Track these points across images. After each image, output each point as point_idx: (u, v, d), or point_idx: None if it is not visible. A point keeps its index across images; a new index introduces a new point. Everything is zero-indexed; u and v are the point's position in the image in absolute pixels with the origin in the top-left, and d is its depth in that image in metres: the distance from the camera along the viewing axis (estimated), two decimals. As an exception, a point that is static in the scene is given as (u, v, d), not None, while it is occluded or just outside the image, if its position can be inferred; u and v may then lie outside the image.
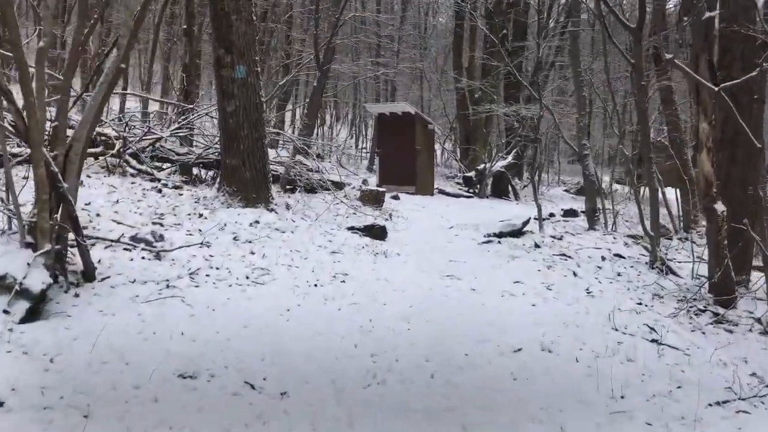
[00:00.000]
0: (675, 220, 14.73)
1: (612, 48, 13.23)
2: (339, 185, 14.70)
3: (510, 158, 21.09)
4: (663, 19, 14.85)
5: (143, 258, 6.20)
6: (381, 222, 11.00)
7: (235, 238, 7.82)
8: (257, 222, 8.72)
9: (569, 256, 9.56)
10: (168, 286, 5.61)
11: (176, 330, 4.76)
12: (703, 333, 6.32)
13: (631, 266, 9.23)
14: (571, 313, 6.37)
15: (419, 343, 5.34)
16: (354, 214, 12.86)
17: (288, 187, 13.02)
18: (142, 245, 6.34)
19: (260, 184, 9.33)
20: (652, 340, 5.56)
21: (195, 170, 12.01)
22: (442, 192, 19.26)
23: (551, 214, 16.18)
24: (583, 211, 16.48)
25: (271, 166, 12.95)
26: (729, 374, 4.98)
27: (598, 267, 8.89)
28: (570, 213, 16.05)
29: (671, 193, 18.53)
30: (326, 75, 15.89)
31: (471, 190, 20.00)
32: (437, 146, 25.86)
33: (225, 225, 8.27)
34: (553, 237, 11.57)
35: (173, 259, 6.44)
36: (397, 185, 18.09)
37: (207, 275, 6.27)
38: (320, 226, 9.87)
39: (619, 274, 8.50)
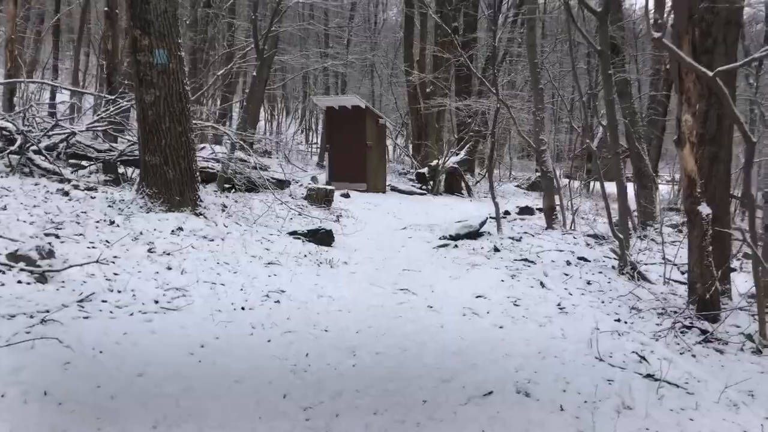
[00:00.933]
0: (632, 218, 13.91)
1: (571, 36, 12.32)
2: (283, 184, 13.41)
3: (463, 154, 20.13)
4: (620, 9, 14.02)
5: (20, 282, 4.83)
6: (328, 225, 9.78)
7: (150, 251, 6.48)
8: (180, 229, 7.39)
9: (532, 261, 8.52)
10: (44, 321, 4.26)
11: (36, 389, 3.45)
12: (694, 356, 5.33)
13: (600, 272, 8.25)
14: (546, 338, 5.28)
15: (367, 386, 4.15)
16: (299, 215, 11.66)
17: (227, 186, 11.68)
18: (22, 264, 4.96)
19: (186, 185, 7.99)
20: (647, 375, 4.51)
21: (122, 169, 10.57)
22: (394, 189, 18.13)
23: (506, 212, 15.22)
24: (539, 209, 15.60)
25: (205, 164, 11.65)
26: (743, 419, 3.98)
27: (566, 274, 7.87)
28: (525, 210, 15.12)
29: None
30: (268, 65, 14.56)
31: (424, 187, 18.93)
32: (389, 142, 24.74)
33: (140, 234, 6.92)
34: (512, 238, 10.57)
35: (63, 282, 5.08)
36: (348, 182, 16.88)
37: (104, 301, 4.94)
38: (257, 231, 8.60)
39: (588, 283, 7.49)
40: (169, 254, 6.56)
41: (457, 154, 19.70)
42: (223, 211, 9.15)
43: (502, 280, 7.15)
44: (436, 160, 19.18)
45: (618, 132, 8.66)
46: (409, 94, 22.28)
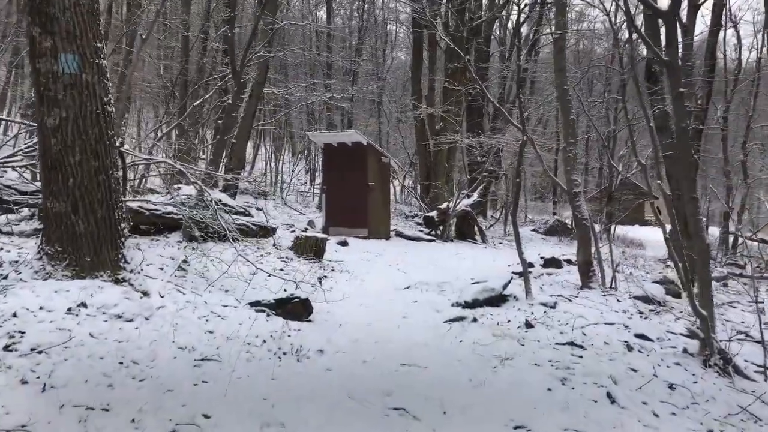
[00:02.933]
0: (679, 269, 11.29)
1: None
2: (267, 231, 11.01)
3: (476, 196, 17.75)
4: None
5: None
6: (304, 290, 7.33)
7: (7, 348, 4.08)
8: (82, 306, 4.99)
9: (581, 346, 6.00)
10: None
11: None
12: None
13: (676, 362, 5.73)
14: None
15: None
16: (281, 270, 9.29)
17: (197, 235, 9.29)
18: None
19: (103, 240, 5.61)
20: None
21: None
22: (399, 234, 15.71)
23: (530, 264, 12.73)
24: (567, 260, 13.12)
25: (168, 209, 9.30)
26: None
27: (633, 370, 5.34)
28: (552, 263, 12.61)
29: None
30: (257, 96, 12.32)
31: (433, 232, 16.50)
32: (394, 182, 22.44)
33: (12, 316, 4.53)
34: (544, 305, 8.07)
35: None
36: (348, 227, 14.52)
37: None
38: (207, 301, 6.17)
39: (671, 387, 4.97)
40: (41, 352, 4.14)
41: (470, 196, 17.31)
42: (163, 271, 6.75)
43: (549, 389, 4.63)
44: (447, 203, 16.80)
45: (693, 166, 6.25)
46: (416, 131, 20.06)
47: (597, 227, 26.14)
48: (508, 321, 7.04)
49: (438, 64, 20.92)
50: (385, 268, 11.31)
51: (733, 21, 23.45)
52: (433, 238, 15.95)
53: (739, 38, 21.04)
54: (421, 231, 16.62)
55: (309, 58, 21.58)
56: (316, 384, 4.58)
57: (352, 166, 14.69)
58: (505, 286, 8.14)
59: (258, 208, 17.21)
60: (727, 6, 17.69)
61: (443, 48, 19.86)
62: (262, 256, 9.92)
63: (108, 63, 10.01)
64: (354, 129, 17.03)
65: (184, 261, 8.13)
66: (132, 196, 10.79)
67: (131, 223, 8.30)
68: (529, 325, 6.76)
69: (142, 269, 6.43)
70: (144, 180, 11.94)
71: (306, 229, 15.36)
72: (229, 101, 9.28)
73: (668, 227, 13.19)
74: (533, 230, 23.41)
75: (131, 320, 5.08)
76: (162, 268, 7.35)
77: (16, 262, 5.56)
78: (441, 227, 16.40)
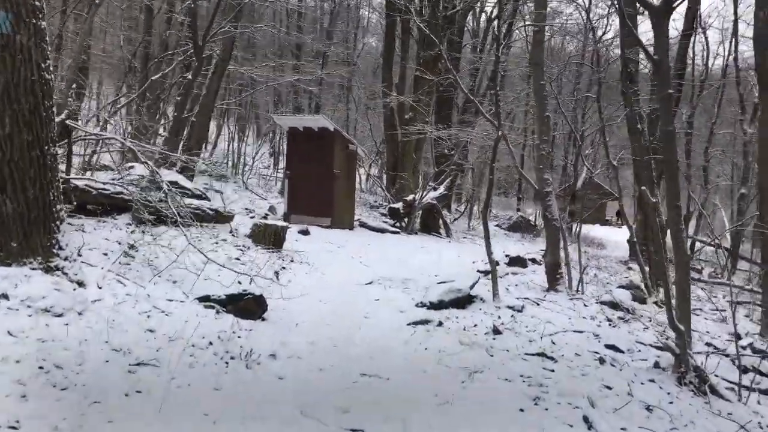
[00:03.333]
0: (645, 274, 11.10)
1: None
2: (224, 217, 10.38)
3: (442, 189, 17.36)
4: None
5: None
6: (260, 284, 6.79)
7: None
8: (3, 298, 4.38)
9: (551, 358, 5.63)
10: None
11: None
12: None
13: (650, 379, 5.41)
14: None
15: None
16: (237, 259, 8.73)
17: (148, 218, 8.60)
18: None
19: (34, 223, 4.97)
20: None
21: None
22: (363, 225, 15.21)
23: (495, 263, 12.40)
24: (532, 260, 12.85)
25: (118, 189, 8.59)
26: None
27: (607, 387, 4.99)
28: (517, 261, 12.30)
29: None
30: (220, 73, 11.62)
31: (397, 224, 16.06)
32: (361, 170, 21.91)
33: None
34: (512, 308, 7.72)
35: None
36: (310, 215, 13.95)
37: None
38: (150, 294, 5.59)
39: (649, 409, 4.62)
40: (-57, 354, 3.54)
41: (436, 189, 16.91)
42: (106, 258, 6.14)
43: (522, 410, 4.22)
44: (413, 195, 16.37)
45: (679, 172, 5.91)
46: (385, 119, 19.52)
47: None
48: (475, 326, 6.65)
49: (410, 52, 20.39)
50: (347, 261, 10.82)
51: (702, 27, 23.53)
52: (398, 230, 15.51)
53: (707, 44, 20.94)
54: (386, 222, 16.17)
55: (278, 38, 20.75)
56: (267, 396, 4.08)
57: (317, 153, 14.10)
58: (472, 287, 7.75)
59: (217, 191, 16.51)
60: (698, 11, 17.62)
61: (416, 37, 19.37)
62: (217, 243, 9.27)
63: (58, 30, 9.16)
64: (321, 114, 16.41)
65: (131, 246, 7.49)
66: (81, 173, 10.02)
67: (74, 203, 7.62)
68: (497, 331, 6.37)
69: (81, 255, 5.80)
70: (97, 157, 11.15)
71: (266, 215, 14.72)
72: (190, 77, 8.57)
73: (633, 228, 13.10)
74: (497, 225, 23.20)
75: (60, 315, 4.49)
76: (106, 254, 6.74)
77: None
78: (406, 219, 15.97)
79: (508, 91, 24.91)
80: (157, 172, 7.11)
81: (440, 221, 17.18)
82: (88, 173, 11.08)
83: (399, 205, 16.09)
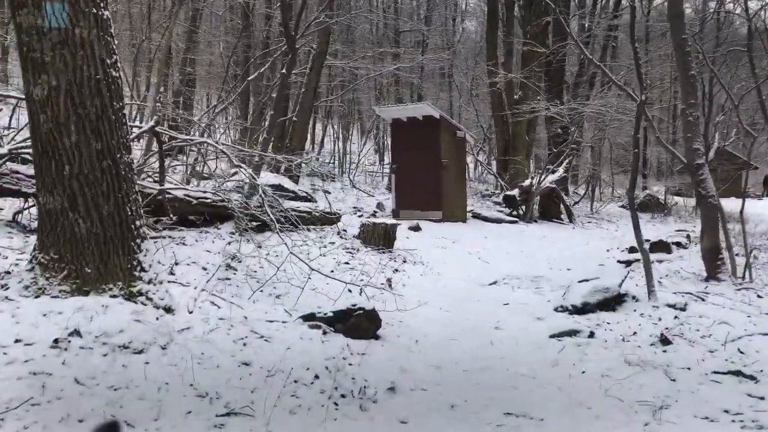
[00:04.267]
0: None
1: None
2: (331, 218, 9.61)
3: (561, 171, 15.76)
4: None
5: None
6: (372, 292, 5.84)
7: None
8: (76, 334, 3.70)
9: (750, 376, 4.25)
10: None
11: None
12: None
13: None
14: None
15: None
16: (346, 263, 7.94)
17: (250, 227, 7.93)
18: None
19: (111, 243, 4.30)
20: None
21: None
22: (477, 216, 13.98)
23: (632, 249, 10.81)
24: (676, 243, 11.11)
25: (220, 196, 7.98)
26: None
27: None
28: (660, 247, 10.61)
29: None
30: (318, 68, 10.86)
31: (514, 213, 14.69)
32: (469, 158, 20.60)
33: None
34: (673, 307, 6.27)
35: None
36: (420, 210, 12.94)
37: None
38: (248, 315, 4.79)
39: None
40: (-5, 415, 2.84)
41: (554, 171, 15.35)
42: (206, 272, 5.43)
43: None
44: (529, 179, 14.93)
45: None
46: (493, 101, 18.10)
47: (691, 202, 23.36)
48: (635, 333, 5.32)
49: (515, 30, 18.82)
50: (464, 257, 9.72)
51: None
52: (516, 219, 14.15)
53: None
54: (501, 212, 14.83)
55: (376, 29, 19.89)
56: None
57: (423, 143, 13.06)
58: (621, 284, 6.39)
59: (324, 191, 15.95)
60: None
61: (520, 10, 17.82)
62: (325, 247, 8.55)
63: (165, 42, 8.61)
64: (426, 102, 15.33)
65: (233, 257, 6.85)
66: (185, 182, 9.61)
67: (171, 216, 7.07)
68: (665, 340, 5.02)
69: (174, 274, 5.13)
70: (201, 165, 10.77)
71: (375, 212, 13.92)
72: (284, 72, 7.83)
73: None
74: (621, 206, 21.06)
75: (140, 352, 3.76)
76: (206, 268, 6.09)
77: (8, 273, 4.35)
78: (524, 207, 14.57)
79: (622, 61, 22.66)
80: (253, 176, 6.35)
81: (561, 206, 15.60)
82: (194, 182, 10.76)
83: (515, 191, 14.71)
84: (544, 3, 16.59)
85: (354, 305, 4.99)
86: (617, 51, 26.33)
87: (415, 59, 18.04)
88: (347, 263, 7.99)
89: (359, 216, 12.76)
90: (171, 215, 6.89)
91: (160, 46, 8.18)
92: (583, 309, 6.02)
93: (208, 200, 7.86)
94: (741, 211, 8.53)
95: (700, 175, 7.98)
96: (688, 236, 12.13)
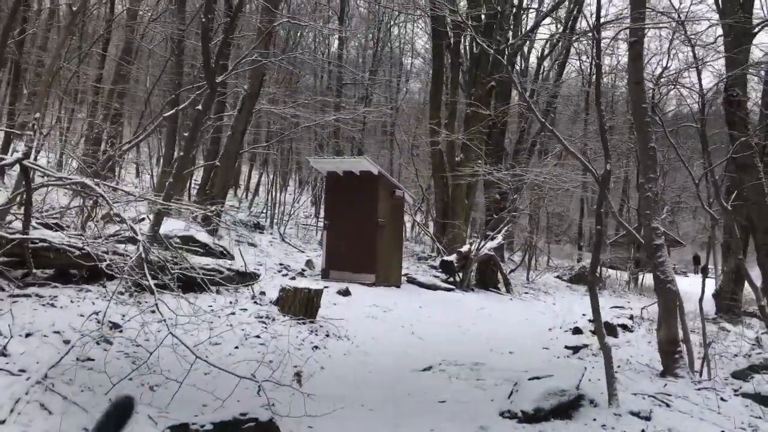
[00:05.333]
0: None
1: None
2: (245, 278, 8.22)
3: (500, 238, 14.95)
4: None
5: None
6: (280, 385, 4.47)
7: None
8: None
9: None
10: None
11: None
12: None
13: None
14: None
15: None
16: (257, 337, 6.64)
17: (154, 282, 6.43)
18: None
19: None
20: None
21: None
22: (412, 281, 12.83)
23: (578, 330, 9.85)
24: (621, 326, 10.24)
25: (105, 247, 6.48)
26: None
27: None
28: (606, 329, 9.66)
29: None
30: (248, 110, 9.64)
31: (450, 279, 13.65)
32: (406, 218, 19.65)
33: None
34: (636, 415, 5.21)
35: None
36: (351, 271, 11.69)
37: None
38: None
39: None
40: None
41: (494, 238, 14.50)
42: (57, 352, 3.96)
43: None
44: (468, 245, 14.00)
45: None
46: (434, 161, 17.30)
47: (624, 275, 22.92)
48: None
49: (458, 92, 18.32)
50: (396, 331, 8.48)
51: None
52: (452, 286, 13.09)
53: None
54: (437, 277, 13.77)
55: (320, 81, 18.96)
56: None
57: (359, 200, 11.94)
58: (579, 385, 5.29)
59: (251, 245, 14.49)
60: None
61: (466, 70, 17.38)
62: (233, 314, 7.14)
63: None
64: (364, 156, 14.32)
65: (114, 326, 5.45)
66: (80, 226, 8.01)
67: (36, 271, 5.57)
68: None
69: (4, 355, 3.65)
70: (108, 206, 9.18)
71: (303, 270, 12.56)
72: (200, 108, 6.56)
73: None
74: (557, 276, 20.47)
75: None
76: (68, 341, 4.64)
77: None
78: (461, 273, 13.56)
79: (560, 131, 22.62)
80: (132, 226, 4.98)
81: (499, 275, 14.70)
82: (101, 226, 9.17)
83: (453, 257, 13.71)
84: (490, 66, 16.25)
85: (244, 414, 3.63)
86: (555, 121, 26.48)
87: (357, 110, 17.11)
88: (258, 337, 6.63)
89: (284, 275, 11.38)
90: (33, 269, 5.38)
91: (49, 65, 6.88)
92: (534, 416, 4.86)
93: (92, 252, 6.37)
94: (701, 299, 7.69)
95: (659, 257, 7.13)
96: (631, 317, 11.34)
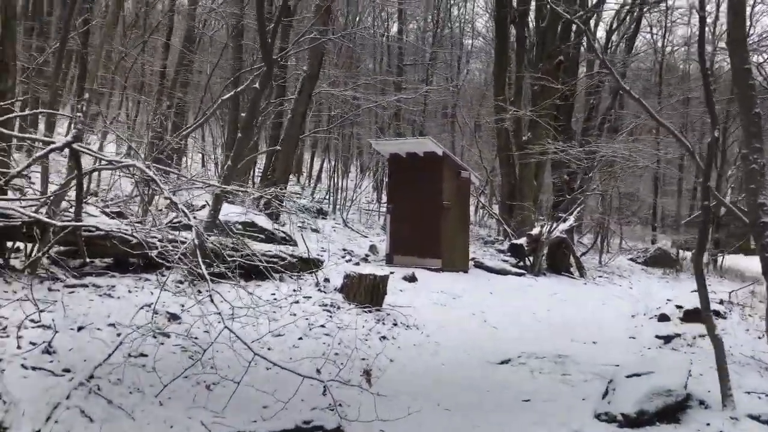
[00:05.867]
0: None
1: None
2: (308, 264, 7.79)
3: (572, 219, 14.01)
4: None
5: None
6: (331, 413, 3.96)
7: None
8: None
9: None
10: None
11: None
12: None
13: None
14: None
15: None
16: (321, 326, 6.19)
17: (214, 271, 6.06)
18: None
19: None
20: None
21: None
22: (480, 266, 12.14)
23: (664, 317, 8.97)
24: (714, 312, 9.23)
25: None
26: None
27: None
28: (695, 317, 8.74)
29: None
30: (309, 92, 9.21)
31: (521, 263, 12.89)
32: (471, 201, 18.90)
33: None
34: (757, 419, 4.45)
35: None
36: (416, 256, 11.12)
37: None
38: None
39: None
40: None
41: (566, 220, 13.60)
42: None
43: None
44: (538, 227, 13.17)
45: None
46: (499, 141, 16.46)
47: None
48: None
49: (525, 66, 17.34)
50: (467, 320, 7.86)
51: None
52: (522, 270, 12.32)
53: None
54: (506, 261, 13.03)
55: (380, 63, 18.38)
56: None
57: (423, 182, 11.34)
58: (686, 384, 4.56)
59: (314, 230, 14.15)
60: None
61: (532, 43, 16.40)
62: (296, 302, 6.74)
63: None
64: (427, 136, 13.67)
65: (172, 317, 5.11)
66: (141, 213, 7.78)
67: (89, 260, 5.30)
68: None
69: (48, 353, 3.31)
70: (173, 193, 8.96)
71: (367, 255, 12.11)
72: (257, 86, 6.15)
73: None
74: (630, 259, 19.25)
75: None
76: (121, 334, 4.31)
77: None
78: (531, 257, 12.77)
79: (629, 108, 21.29)
80: (185, 211, 4.58)
81: (571, 258, 13.81)
82: (164, 213, 8.99)
83: (523, 240, 12.93)
84: (558, 39, 15.25)
85: (308, 422, 3.16)
86: (625, 98, 24.93)
87: (419, 90, 16.37)
88: (323, 326, 6.18)
89: (348, 261, 10.97)
90: (86, 257, 5.11)
91: (98, 44, 6.66)
92: (637, 420, 4.19)
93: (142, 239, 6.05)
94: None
95: (767, 237, 6.22)
96: (721, 301, 10.29)
